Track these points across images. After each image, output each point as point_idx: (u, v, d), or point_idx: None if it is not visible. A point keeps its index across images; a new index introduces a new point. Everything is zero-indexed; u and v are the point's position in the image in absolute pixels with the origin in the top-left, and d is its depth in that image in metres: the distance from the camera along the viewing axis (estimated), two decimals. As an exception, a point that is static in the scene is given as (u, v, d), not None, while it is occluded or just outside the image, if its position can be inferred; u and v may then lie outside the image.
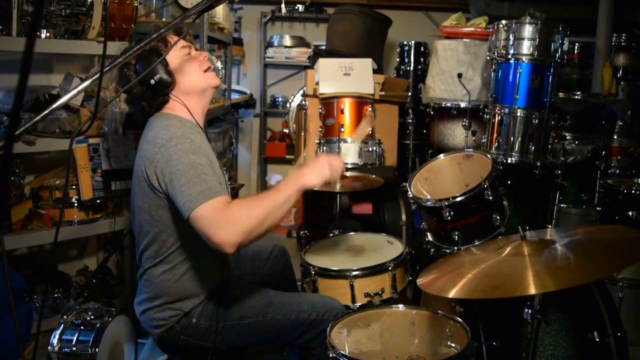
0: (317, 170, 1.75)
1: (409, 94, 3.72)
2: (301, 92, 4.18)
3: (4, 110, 2.57)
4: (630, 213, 2.51)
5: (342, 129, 3.08)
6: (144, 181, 1.73)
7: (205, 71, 1.89)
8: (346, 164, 3.03)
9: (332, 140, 3.11)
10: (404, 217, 3.34)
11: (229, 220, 1.54)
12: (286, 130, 4.87)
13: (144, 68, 1.80)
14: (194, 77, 1.86)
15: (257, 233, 1.58)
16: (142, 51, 1.73)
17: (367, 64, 3.33)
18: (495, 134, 2.88)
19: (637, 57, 3.60)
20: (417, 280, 1.56)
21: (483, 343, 1.86)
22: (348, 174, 2.75)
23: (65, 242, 3.06)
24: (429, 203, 2.23)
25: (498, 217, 2.21)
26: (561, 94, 3.20)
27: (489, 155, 2.36)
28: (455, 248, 2.21)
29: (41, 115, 1.26)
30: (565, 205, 3.26)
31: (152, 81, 1.80)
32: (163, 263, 1.80)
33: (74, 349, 2.04)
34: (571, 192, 3.27)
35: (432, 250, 2.36)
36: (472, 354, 1.56)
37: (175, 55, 1.84)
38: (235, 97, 4.77)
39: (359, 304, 2.07)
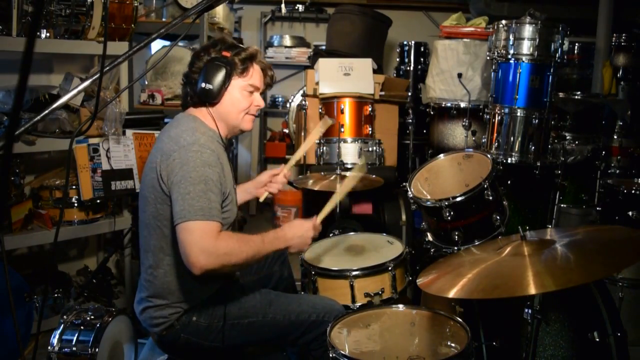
0: (300, 242, 1.81)
1: (409, 94, 3.72)
2: (301, 92, 4.18)
3: (4, 110, 2.57)
4: (630, 213, 2.51)
5: (342, 129, 3.08)
6: (155, 173, 1.74)
7: (247, 114, 1.88)
8: (346, 164, 3.03)
9: (332, 140, 3.11)
10: (404, 217, 3.34)
11: (212, 250, 1.61)
12: (286, 130, 4.87)
13: (207, 71, 1.80)
14: (234, 111, 1.85)
15: (227, 269, 1.68)
16: (222, 56, 1.80)
17: (367, 64, 3.33)
18: (495, 134, 2.88)
19: (637, 57, 3.60)
20: (417, 280, 1.56)
21: (483, 343, 1.86)
22: (348, 174, 2.75)
23: (65, 242, 3.06)
24: (429, 203, 2.23)
25: (498, 217, 2.21)
26: (561, 94, 3.20)
27: (489, 155, 2.36)
28: (455, 248, 2.21)
29: (41, 115, 1.26)
30: (565, 205, 3.25)
31: (202, 84, 1.80)
32: (164, 259, 1.80)
33: (74, 349, 2.04)
34: (571, 192, 3.27)
35: (432, 250, 2.36)
36: (472, 354, 1.55)
37: (240, 85, 1.83)
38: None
39: (359, 304, 2.07)
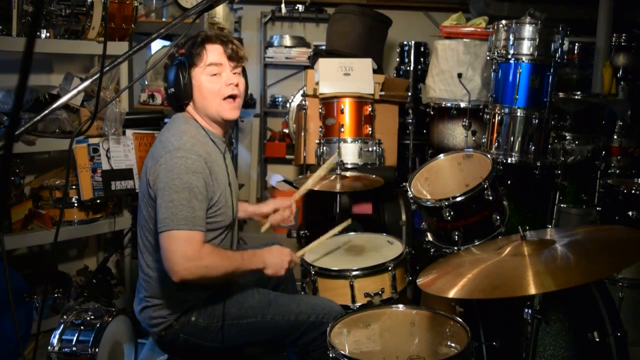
0: (276, 265, 1.85)
1: (409, 94, 3.71)
2: (301, 92, 4.18)
3: (4, 110, 2.57)
4: (630, 213, 2.50)
5: (342, 129, 3.08)
6: (146, 176, 1.76)
7: (225, 99, 1.81)
8: (346, 164, 3.03)
9: (332, 140, 3.11)
10: (404, 217, 3.34)
11: (195, 260, 1.65)
12: (286, 130, 4.87)
13: (167, 77, 1.81)
14: (208, 99, 1.80)
15: (204, 282, 1.73)
16: (175, 53, 1.79)
17: (367, 64, 3.33)
18: (495, 134, 2.88)
19: (637, 57, 3.60)
20: (417, 280, 1.56)
21: (483, 343, 1.86)
22: (348, 174, 2.75)
23: (65, 242, 3.06)
24: (429, 203, 2.23)
25: (498, 217, 2.21)
26: (561, 94, 3.20)
27: (489, 155, 2.36)
28: (455, 248, 2.21)
29: (41, 115, 1.26)
30: (565, 205, 3.25)
31: (170, 90, 1.80)
32: (161, 260, 1.79)
33: (74, 349, 2.04)
34: (571, 192, 3.27)
35: (432, 250, 2.36)
36: (472, 354, 1.55)
37: (201, 71, 1.78)
38: (235, 97, 4.76)
39: (359, 304, 2.07)
